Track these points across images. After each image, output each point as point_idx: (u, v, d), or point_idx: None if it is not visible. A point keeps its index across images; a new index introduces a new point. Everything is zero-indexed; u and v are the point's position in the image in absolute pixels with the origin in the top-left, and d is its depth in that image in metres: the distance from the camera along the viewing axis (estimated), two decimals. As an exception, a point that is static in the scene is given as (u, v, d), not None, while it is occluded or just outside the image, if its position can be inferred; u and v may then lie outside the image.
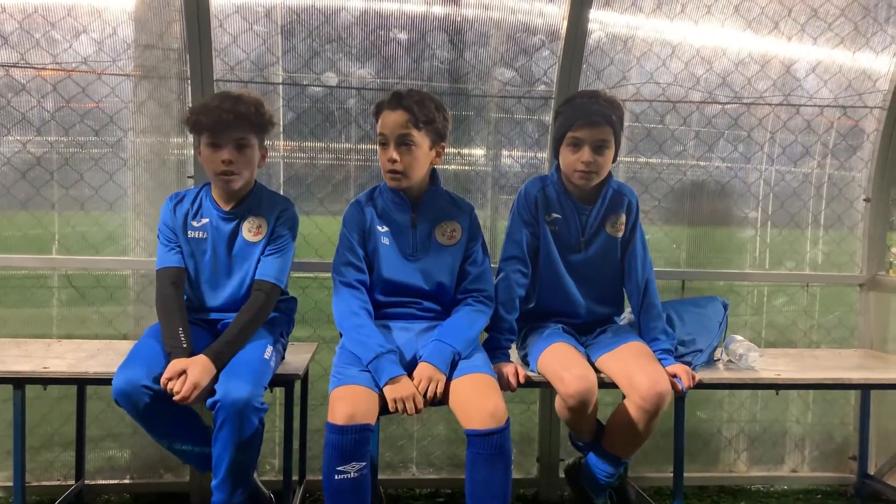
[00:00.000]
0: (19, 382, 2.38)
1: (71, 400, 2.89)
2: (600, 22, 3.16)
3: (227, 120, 2.35)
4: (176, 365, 2.19)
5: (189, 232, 2.48)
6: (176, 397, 2.15)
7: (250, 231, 2.48)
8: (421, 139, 2.38)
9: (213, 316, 2.50)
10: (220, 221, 2.48)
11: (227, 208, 2.48)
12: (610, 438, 2.48)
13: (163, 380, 2.17)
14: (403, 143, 2.36)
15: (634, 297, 2.64)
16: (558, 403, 2.45)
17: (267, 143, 2.55)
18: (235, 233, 2.48)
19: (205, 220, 2.48)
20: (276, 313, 2.55)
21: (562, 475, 2.91)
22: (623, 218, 2.63)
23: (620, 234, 2.64)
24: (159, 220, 2.52)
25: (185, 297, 2.48)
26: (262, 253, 2.48)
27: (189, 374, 2.18)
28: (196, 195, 2.52)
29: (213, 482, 2.22)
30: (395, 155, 2.36)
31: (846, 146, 3.45)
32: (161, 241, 2.50)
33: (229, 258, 2.48)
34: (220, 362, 2.26)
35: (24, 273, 3.06)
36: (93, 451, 3.06)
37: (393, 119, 2.36)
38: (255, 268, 2.47)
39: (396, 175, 2.38)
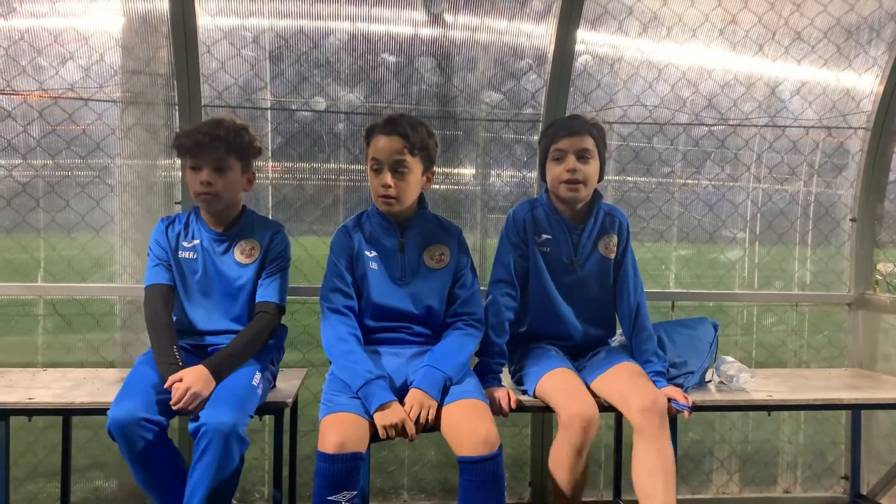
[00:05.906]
0: (3, 414, 2.33)
1: (56, 429, 2.82)
2: (587, 44, 3.19)
3: (204, 142, 2.38)
4: (175, 377, 2.18)
5: (180, 252, 2.49)
6: (173, 405, 2.13)
7: (242, 253, 2.50)
8: (414, 165, 2.39)
9: (204, 341, 2.48)
10: (211, 243, 2.49)
11: (218, 230, 2.50)
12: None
13: (167, 385, 2.17)
14: (398, 168, 2.37)
15: (626, 320, 2.63)
16: (558, 445, 2.36)
17: (256, 165, 2.55)
18: (226, 254, 2.49)
19: (195, 242, 2.50)
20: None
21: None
22: (615, 239, 2.64)
23: (613, 256, 2.64)
24: (150, 240, 2.51)
25: (175, 318, 2.47)
26: (255, 275, 2.49)
27: (184, 380, 2.17)
28: (186, 219, 2.55)
29: None
30: (389, 181, 2.36)
31: (832, 166, 3.48)
32: (151, 259, 2.49)
33: (218, 279, 2.48)
34: (219, 375, 2.25)
35: (9, 300, 3.02)
36: (78, 481, 3.00)
37: (388, 144, 2.36)
38: (248, 290, 2.48)
39: (389, 200, 2.39)
